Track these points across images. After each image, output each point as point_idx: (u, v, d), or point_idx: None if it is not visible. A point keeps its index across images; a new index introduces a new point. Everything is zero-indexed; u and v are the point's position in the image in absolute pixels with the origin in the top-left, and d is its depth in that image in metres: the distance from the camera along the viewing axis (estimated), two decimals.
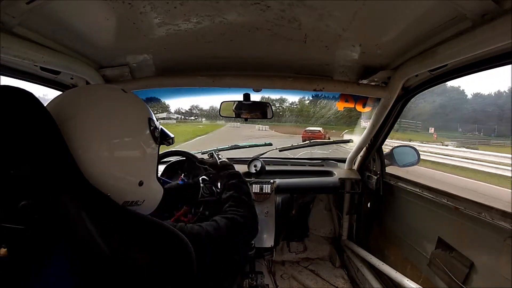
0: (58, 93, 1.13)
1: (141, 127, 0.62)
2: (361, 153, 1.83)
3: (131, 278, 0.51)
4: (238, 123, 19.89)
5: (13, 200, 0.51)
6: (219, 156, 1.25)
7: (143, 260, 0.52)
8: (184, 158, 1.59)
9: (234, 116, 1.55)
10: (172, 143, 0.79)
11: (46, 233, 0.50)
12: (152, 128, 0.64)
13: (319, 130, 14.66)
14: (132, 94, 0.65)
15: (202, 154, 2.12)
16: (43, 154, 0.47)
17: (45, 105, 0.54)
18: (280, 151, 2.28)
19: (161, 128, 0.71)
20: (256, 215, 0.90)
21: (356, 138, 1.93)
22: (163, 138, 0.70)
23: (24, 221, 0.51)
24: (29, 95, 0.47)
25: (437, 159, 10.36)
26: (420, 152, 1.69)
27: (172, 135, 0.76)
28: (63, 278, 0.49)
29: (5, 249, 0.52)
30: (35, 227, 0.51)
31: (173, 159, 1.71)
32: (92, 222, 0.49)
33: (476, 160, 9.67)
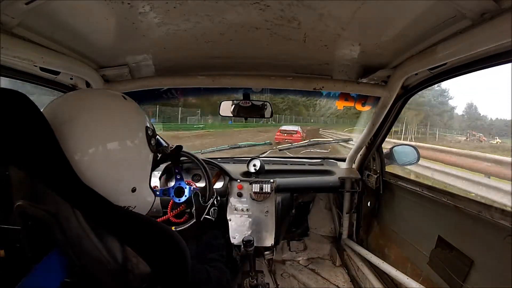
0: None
1: (137, 134, 0.62)
2: (361, 152, 1.83)
3: (130, 278, 0.51)
4: None
5: (8, 200, 0.51)
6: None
7: (141, 262, 0.52)
8: (186, 158, 1.58)
9: (233, 115, 1.55)
10: (167, 152, 0.79)
11: (41, 232, 0.50)
12: (148, 136, 0.65)
13: (297, 130, 12.71)
14: (131, 102, 0.65)
15: (202, 153, 2.13)
16: (36, 155, 0.47)
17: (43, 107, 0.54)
18: (280, 150, 2.28)
19: (157, 137, 0.72)
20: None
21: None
22: (158, 147, 0.71)
23: (20, 221, 0.51)
24: (23, 96, 0.47)
25: None
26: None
27: (167, 145, 0.76)
28: (53, 274, 0.49)
29: (2, 251, 0.52)
30: (30, 227, 0.52)
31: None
32: (87, 221, 0.49)
33: None
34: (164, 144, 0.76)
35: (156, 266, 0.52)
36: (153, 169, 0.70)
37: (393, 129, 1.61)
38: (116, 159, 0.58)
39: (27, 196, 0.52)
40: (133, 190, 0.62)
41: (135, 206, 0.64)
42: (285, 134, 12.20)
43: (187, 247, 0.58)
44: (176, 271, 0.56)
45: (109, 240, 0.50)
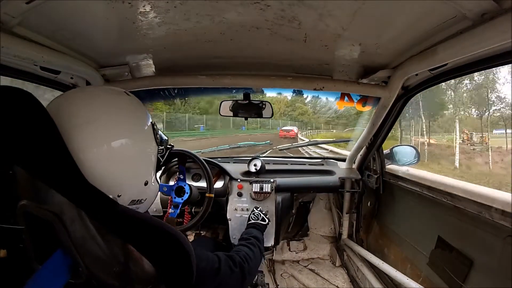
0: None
1: (146, 129, 0.64)
2: (361, 152, 1.83)
3: (134, 279, 0.51)
4: None
5: (12, 200, 0.51)
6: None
7: (146, 263, 0.51)
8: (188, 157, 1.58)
9: (233, 115, 1.55)
10: (170, 147, 0.80)
11: (45, 233, 0.50)
12: (154, 130, 0.67)
13: (292, 129, 18.33)
14: (134, 97, 0.66)
15: (202, 153, 2.13)
16: (40, 155, 0.46)
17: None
18: (280, 150, 2.28)
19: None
20: (258, 265, 0.97)
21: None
22: (161, 140, 0.73)
23: (23, 221, 0.51)
24: (28, 95, 0.46)
25: None
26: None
27: (166, 138, 0.78)
28: (58, 275, 0.49)
29: (4, 251, 0.52)
30: (34, 227, 0.51)
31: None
32: (92, 222, 0.49)
33: None
34: (164, 137, 0.77)
35: (161, 267, 0.52)
36: (159, 162, 0.71)
37: None
38: (131, 154, 0.59)
39: (31, 196, 0.52)
40: (146, 183, 0.64)
41: (146, 199, 0.66)
42: (285, 132, 17.92)
43: (192, 247, 0.58)
44: (180, 271, 0.55)
45: (114, 241, 0.50)
